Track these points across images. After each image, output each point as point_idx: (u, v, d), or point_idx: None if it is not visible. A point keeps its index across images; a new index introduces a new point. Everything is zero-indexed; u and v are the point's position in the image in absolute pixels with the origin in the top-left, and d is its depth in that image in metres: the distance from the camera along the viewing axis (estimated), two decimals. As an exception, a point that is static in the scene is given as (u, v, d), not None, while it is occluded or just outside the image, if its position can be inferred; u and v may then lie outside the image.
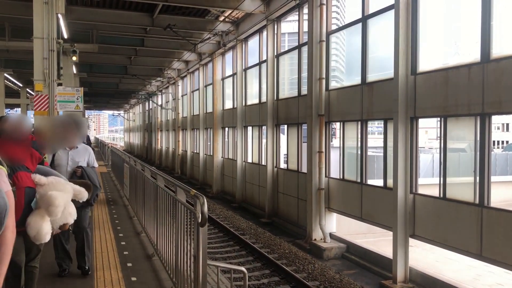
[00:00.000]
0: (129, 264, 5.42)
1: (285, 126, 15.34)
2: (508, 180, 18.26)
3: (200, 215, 3.30)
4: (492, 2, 7.32)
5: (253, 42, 18.16)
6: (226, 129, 21.11)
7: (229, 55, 20.81)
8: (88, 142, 12.37)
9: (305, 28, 13.10)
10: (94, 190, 4.71)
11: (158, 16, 16.52)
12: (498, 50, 7.37)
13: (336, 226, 12.33)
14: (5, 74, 25.44)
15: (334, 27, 12.55)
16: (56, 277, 4.89)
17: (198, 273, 3.36)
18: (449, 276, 8.92)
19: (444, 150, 8.50)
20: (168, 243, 4.53)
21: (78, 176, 4.82)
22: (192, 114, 27.32)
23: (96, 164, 5.21)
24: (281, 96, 15.51)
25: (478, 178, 7.64)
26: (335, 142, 16.43)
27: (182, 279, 3.97)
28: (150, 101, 41.12)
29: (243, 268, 4.56)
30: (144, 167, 6.79)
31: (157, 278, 4.94)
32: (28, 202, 3.11)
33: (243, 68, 18.55)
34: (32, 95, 11.51)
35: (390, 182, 9.64)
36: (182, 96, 30.34)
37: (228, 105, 20.94)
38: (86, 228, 5.00)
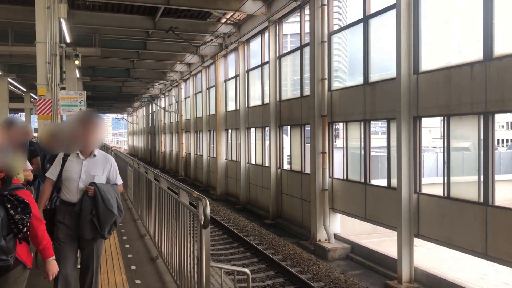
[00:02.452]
0: (133, 267, 5.42)
1: (288, 127, 15.34)
2: (513, 178, 18.14)
3: (202, 217, 3.29)
4: (494, 0, 7.30)
5: (255, 44, 18.18)
6: (229, 131, 21.12)
7: (231, 57, 20.83)
8: None
9: (307, 29, 13.11)
10: (109, 219, 3.53)
11: (160, 19, 16.56)
12: (500, 48, 7.34)
13: (341, 227, 12.31)
14: (9, 79, 25.58)
15: (336, 27, 12.54)
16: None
17: (201, 275, 3.35)
18: (454, 275, 8.88)
19: (447, 149, 8.47)
20: (172, 245, 4.53)
21: (89, 196, 3.50)
22: (195, 117, 27.37)
23: (119, 181, 3.82)
24: (283, 97, 15.52)
25: (482, 177, 7.61)
26: (339, 142, 16.39)
27: (186, 282, 3.97)
28: (153, 104, 41.22)
29: (246, 270, 4.55)
30: (147, 170, 6.79)
31: (161, 280, 4.94)
32: None
33: (246, 69, 18.55)
34: (36, 99, 11.57)
35: (394, 182, 9.62)
36: (185, 98, 30.40)
37: (231, 107, 20.95)
38: (96, 269, 3.69)
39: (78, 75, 21.51)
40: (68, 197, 3.55)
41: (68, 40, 13.53)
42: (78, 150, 3.61)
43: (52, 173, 3.64)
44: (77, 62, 14.65)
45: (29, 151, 5.11)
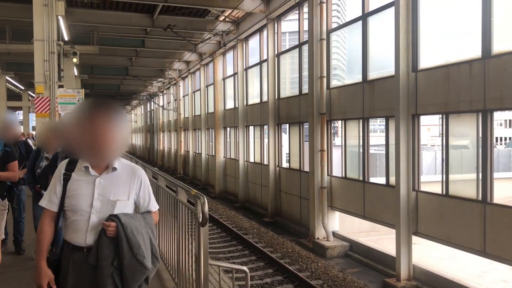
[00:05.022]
0: (132, 265, 5.41)
1: (287, 125, 15.33)
2: (511, 176, 18.19)
3: (200, 215, 3.29)
4: (493, -2, 7.30)
5: (253, 42, 18.14)
6: (228, 129, 21.11)
7: (229, 55, 20.80)
8: None
9: (306, 27, 13.08)
10: (139, 275, 2.32)
11: (158, 17, 16.53)
12: (499, 45, 7.34)
13: (339, 225, 12.31)
14: (7, 77, 25.53)
15: (334, 25, 12.52)
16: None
17: (199, 273, 3.35)
18: (453, 273, 8.90)
19: (446, 147, 8.47)
20: (170, 243, 4.53)
21: (109, 238, 2.28)
22: (193, 115, 27.34)
23: (154, 206, 2.56)
24: (282, 95, 15.50)
25: (480, 174, 7.62)
26: (337, 140, 16.39)
27: (184, 280, 3.96)
28: (152, 102, 41.17)
29: (245, 268, 4.55)
30: (146, 168, 6.78)
31: (159, 278, 4.93)
32: None
33: (244, 67, 18.53)
34: (34, 97, 11.56)
35: (392, 180, 9.61)
36: (183, 96, 30.36)
37: (230, 105, 20.94)
38: None
39: (76, 73, 21.48)
40: (74, 239, 2.33)
41: (66, 38, 13.51)
42: (87, 161, 2.35)
43: (50, 200, 2.37)
44: (75, 60, 14.61)
45: (4, 153, 4.07)
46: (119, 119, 2.27)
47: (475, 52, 7.72)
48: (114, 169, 2.36)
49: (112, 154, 2.33)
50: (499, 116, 47.51)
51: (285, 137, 15.93)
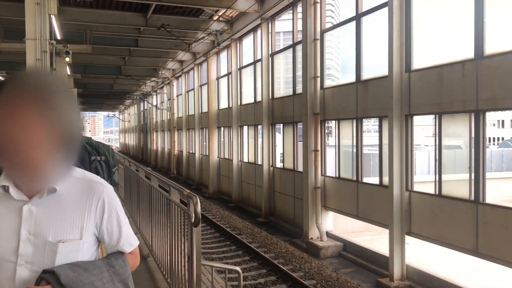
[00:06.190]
0: (124, 266, 5.36)
1: (281, 125, 15.33)
2: (503, 176, 18.34)
3: (193, 215, 3.26)
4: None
5: (247, 41, 18.13)
6: (222, 128, 21.07)
7: (223, 55, 20.77)
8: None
9: (300, 27, 13.09)
10: None
11: (151, 16, 16.46)
12: (491, 46, 7.38)
13: (333, 225, 12.33)
14: (-2, 76, 25.28)
15: (328, 25, 12.54)
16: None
17: (192, 273, 3.32)
18: (446, 272, 8.93)
19: (439, 147, 8.51)
20: (163, 243, 4.49)
21: None
22: (187, 114, 27.27)
23: (130, 245, 1.55)
24: (276, 95, 15.49)
25: (473, 174, 7.65)
26: (331, 140, 16.42)
27: (176, 280, 3.94)
28: (145, 102, 41.02)
29: (237, 268, 4.53)
30: (139, 168, 6.74)
31: (152, 279, 4.90)
32: None
33: (238, 67, 18.51)
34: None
35: (385, 180, 9.64)
36: (177, 96, 30.28)
37: (223, 104, 20.90)
38: None
39: (68, 72, 21.27)
40: None
41: (58, 37, 13.37)
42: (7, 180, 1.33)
43: None
44: (67, 59, 14.48)
45: None
46: (54, 102, 1.20)
47: (468, 52, 7.76)
48: (53, 189, 1.33)
49: (45, 170, 1.27)
50: (491, 117, 47.85)
51: (279, 137, 15.92)
